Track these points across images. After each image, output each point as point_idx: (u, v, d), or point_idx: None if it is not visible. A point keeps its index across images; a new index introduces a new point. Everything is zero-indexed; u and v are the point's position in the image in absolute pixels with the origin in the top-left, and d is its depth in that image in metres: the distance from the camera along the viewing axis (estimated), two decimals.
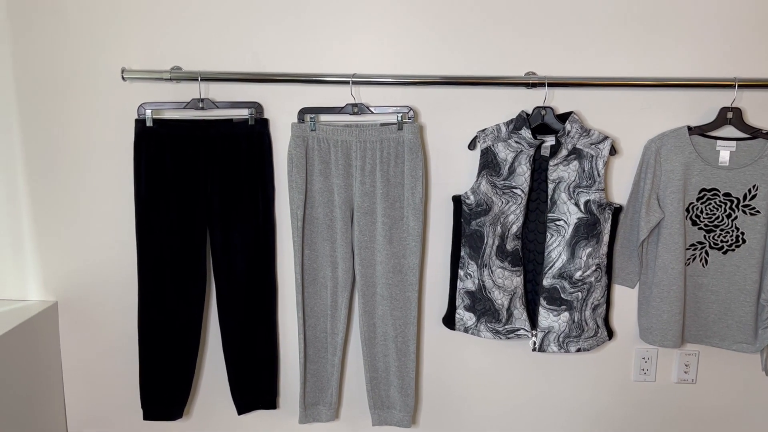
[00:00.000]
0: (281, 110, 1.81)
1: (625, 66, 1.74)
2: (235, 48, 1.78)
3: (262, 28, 1.76)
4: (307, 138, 1.75)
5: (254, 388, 1.92)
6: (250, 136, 1.78)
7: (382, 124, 1.74)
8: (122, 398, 1.99)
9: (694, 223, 1.75)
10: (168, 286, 1.82)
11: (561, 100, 1.77)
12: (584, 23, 1.72)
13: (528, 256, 1.81)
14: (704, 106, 1.74)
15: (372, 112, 1.75)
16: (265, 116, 1.81)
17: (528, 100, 1.77)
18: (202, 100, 1.75)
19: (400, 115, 1.73)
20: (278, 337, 1.94)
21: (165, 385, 1.87)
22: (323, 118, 1.80)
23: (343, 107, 1.75)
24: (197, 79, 1.72)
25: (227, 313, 1.86)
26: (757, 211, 1.71)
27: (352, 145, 1.74)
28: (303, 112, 1.75)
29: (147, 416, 1.88)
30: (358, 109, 1.74)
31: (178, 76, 1.73)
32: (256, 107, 1.78)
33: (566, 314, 1.76)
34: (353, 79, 1.71)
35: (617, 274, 1.84)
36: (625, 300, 1.88)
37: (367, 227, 1.79)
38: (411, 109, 1.73)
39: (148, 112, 1.74)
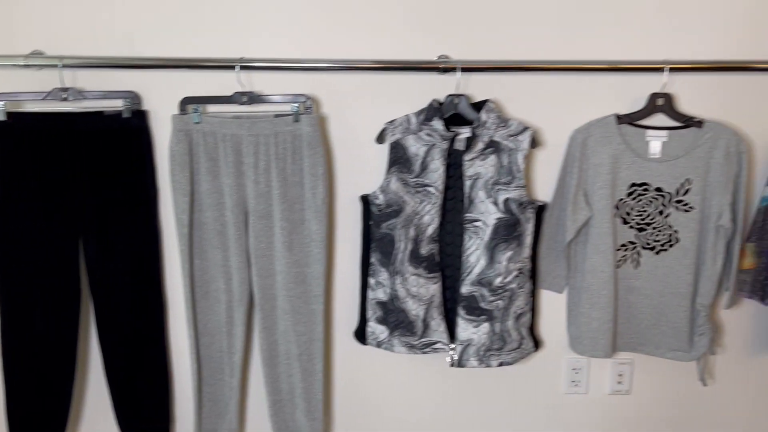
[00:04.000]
0: (164, 101, 1.58)
1: (548, 49, 1.56)
2: (107, 29, 1.54)
3: (139, 6, 1.53)
4: (191, 132, 1.53)
5: (144, 416, 1.69)
6: (126, 130, 1.54)
7: (277, 116, 1.53)
8: None
9: (624, 221, 1.59)
10: (36, 306, 1.57)
11: (478, 87, 1.59)
12: (502, 2, 1.54)
13: (446, 260, 1.62)
14: (635, 93, 1.58)
15: (264, 102, 1.53)
16: (145, 107, 1.58)
17: (443, 88, 1.58)
18: (65, 89, 1.50)
19: (296, 105, 1.52)
20: (170, 358, 1.72)
21: (36, 419, 1.63)
22: (211, 108, 1.58)
23: (231, 96, 1.53)
24: (57, 66, 1.47)
25: (108, 333, 1.63)
26: (691, 207, 1.56)
27: (243, 139, 1.53)
28: (185, 102, 1.53)
29: None
30: (248, 98, 1.52)
31: (34, 62, 1.48)
32: (132, 97, 1.54)
33: (486, 325, 1.58)
34: (241, 64, 1.49)
35: (543, 278, 1.67)
36: (555, 306, 1.71)
37: (263, 233, 1.57)
38: (309, 98, 1.52)
39: (1, 104, 1.49)
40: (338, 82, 1.58)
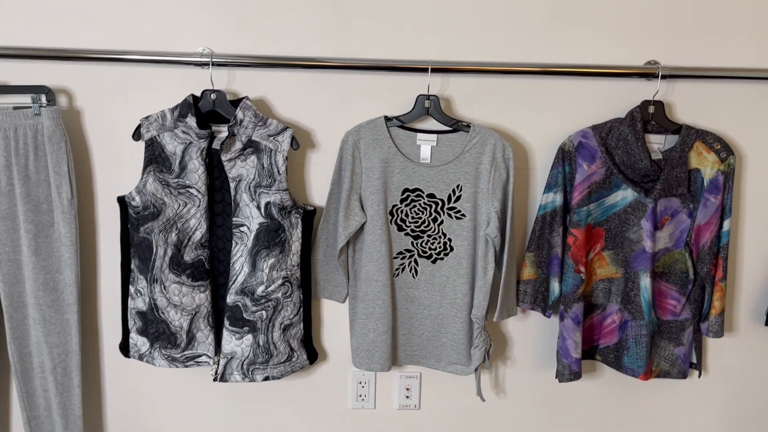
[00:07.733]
0: None
1: (321, 47, 1.48)
2: None
3: None
4: None
5: None
6: None
7: (16, 108, 1.40)
8: None
9: (399, 228, 1.52)
10: None
11: (247, 85, 1.50)
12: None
13: (219, 267, 1.52)
14: (408, 94, 1.50)
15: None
16: None
17: (207, 84, 1.48)
18: None
19: (37, 97, 1.40)
20: None
21: None
22: None
23: None
24: None
25: None
26: (463, 215, 1.49)
27: None
28: None
29: None
30: None
31: None
32: None
33: (250, 337, 1.48)
34: None
35: (323, 287, 1.58)
36: (341, 316, 1.62)
37: (7, 235, 1.45)
38: (50, 89, 1.40)
39: None
40: (95, 74, 1.47)
